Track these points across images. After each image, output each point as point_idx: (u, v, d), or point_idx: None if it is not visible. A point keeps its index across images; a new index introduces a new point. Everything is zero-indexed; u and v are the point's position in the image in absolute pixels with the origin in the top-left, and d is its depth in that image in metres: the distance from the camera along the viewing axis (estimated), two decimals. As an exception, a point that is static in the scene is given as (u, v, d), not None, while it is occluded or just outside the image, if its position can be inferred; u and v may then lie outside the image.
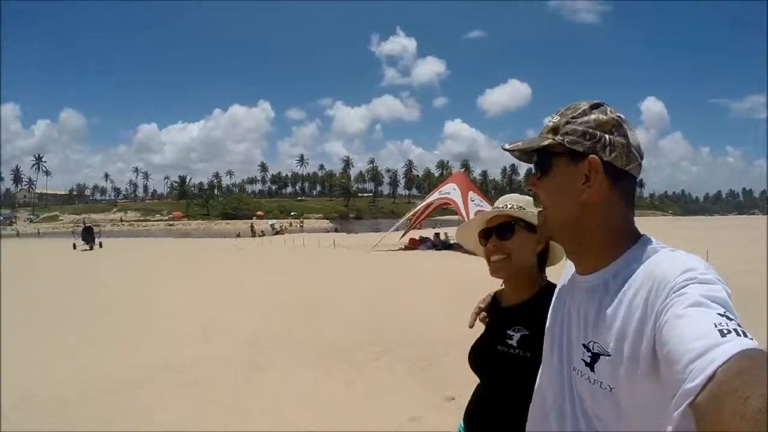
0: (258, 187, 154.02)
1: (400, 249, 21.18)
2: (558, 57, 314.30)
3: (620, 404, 0.72)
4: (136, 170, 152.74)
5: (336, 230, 48.35)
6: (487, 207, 13.65)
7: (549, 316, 0.96)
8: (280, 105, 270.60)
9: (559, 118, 0.85)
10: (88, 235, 26.74)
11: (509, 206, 1.30)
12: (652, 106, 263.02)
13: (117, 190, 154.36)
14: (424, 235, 23.94)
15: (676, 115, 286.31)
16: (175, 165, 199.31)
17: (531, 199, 1.19)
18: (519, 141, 0.90)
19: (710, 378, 0.50)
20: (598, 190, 0.80)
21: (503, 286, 1.36)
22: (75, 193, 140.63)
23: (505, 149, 0.90)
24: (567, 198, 0.82)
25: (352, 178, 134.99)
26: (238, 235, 42.09)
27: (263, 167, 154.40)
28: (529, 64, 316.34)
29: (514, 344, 1.20)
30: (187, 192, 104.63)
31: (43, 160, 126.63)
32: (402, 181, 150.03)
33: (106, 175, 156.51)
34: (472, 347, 1.35)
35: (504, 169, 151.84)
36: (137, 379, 4.77)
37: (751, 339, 0.55)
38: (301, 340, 6.07)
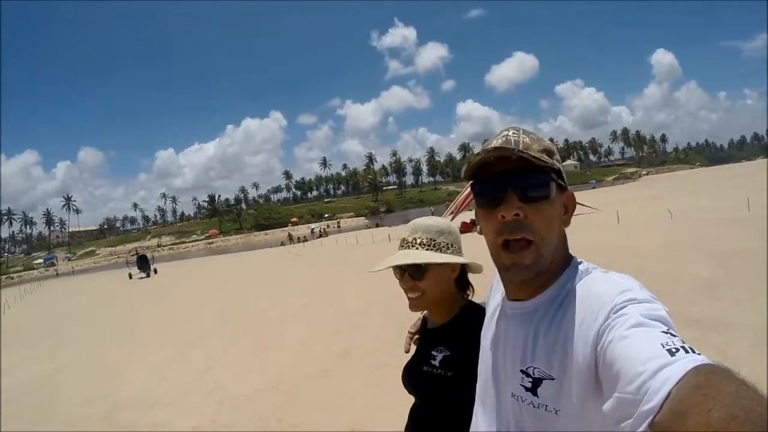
0: (282, 195, 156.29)
1: (455, 234, 21.59)
2: (561, 23, 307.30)
3: (566, 425, 0.72)
4: (164, 195, 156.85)
5: (377, 225, 49.08)
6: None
7: (481, 347, 0.95)
8: (291, 112, 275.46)
9: (537, 142, 0.81)
10: (144, 264, 28.00)
11: (418, 241, 1.28)
12: (662, 59, 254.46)
13: (146, 218, 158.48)
14: (474, 218, 24.33)
15: (688, 65, 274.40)
16: (196, 185, 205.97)
17: (443, 224, 1.27)
18: (524, 147, 0.78)
19: (666, 398, 0.51)
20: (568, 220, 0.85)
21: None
22: (106, 226, 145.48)
23: (519, 152, 0.77)
24: (556, 225, 0.82)
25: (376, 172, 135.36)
26: (282, 243, 43.09)
27: (287, 175, 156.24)
28: (533, 34, 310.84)
29: (437, 364, 1.23)
30: (217, 209, 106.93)
31: (72, 199, 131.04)
32: (425, 169, 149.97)
33: (135, 205, 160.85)
34: (404, 367, 1.38)
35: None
36: (322, 369, 5.39)
37: (699, 354, 0.56)
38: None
